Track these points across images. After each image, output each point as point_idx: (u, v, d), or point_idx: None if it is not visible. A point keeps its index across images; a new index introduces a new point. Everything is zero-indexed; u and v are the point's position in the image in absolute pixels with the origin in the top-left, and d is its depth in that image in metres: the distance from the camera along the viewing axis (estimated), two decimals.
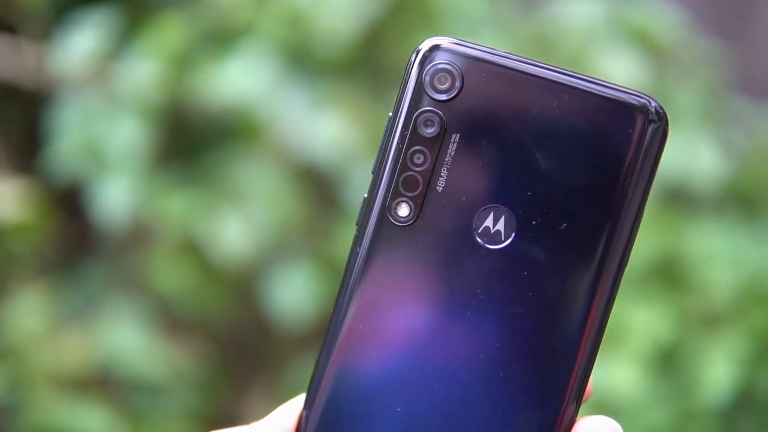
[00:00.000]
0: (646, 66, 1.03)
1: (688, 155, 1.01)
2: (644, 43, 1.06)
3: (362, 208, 0.38)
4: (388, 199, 0.37)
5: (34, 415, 0.92)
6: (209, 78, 0.91)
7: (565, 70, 0.38)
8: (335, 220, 0.93)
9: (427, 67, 0.37)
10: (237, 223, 0.89)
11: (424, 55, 0.37)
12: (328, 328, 0.38)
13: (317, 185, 0.93)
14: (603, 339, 0.38)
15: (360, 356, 0.38)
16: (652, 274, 0.93)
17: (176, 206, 0.90)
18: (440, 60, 0.37)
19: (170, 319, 0.97)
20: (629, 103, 0.37)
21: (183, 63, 0.93)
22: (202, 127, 0.94)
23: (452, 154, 0.37)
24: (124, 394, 0.92)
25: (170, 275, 0.93)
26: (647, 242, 0.94)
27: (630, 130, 0.37)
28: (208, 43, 0.94)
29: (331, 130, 0.89)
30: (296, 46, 0.93)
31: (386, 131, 0.38)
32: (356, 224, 0.38)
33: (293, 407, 0.39)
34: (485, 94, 0.37)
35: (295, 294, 0.89)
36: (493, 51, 0.37)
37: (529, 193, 0.37)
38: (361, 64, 0.94)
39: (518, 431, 0.37)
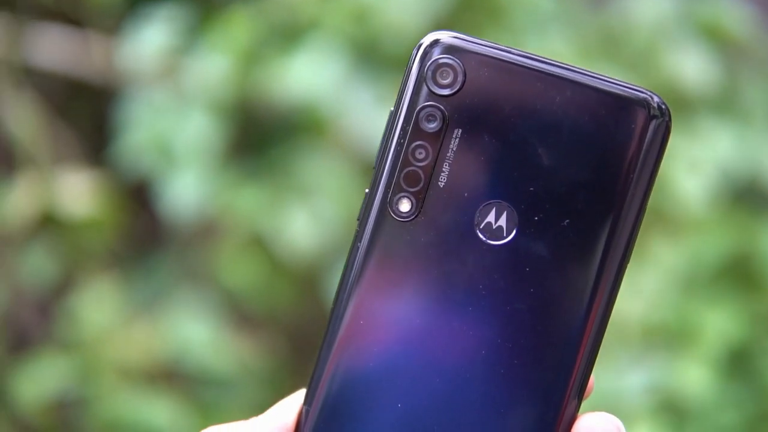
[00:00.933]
0: (717, 62, 1.01)
1: (758, 152, 0.99)
2: (714, 38, 1.04)
3: (363, 203, 0.38)
4: (390, 194, 0.37)
5: (103, 408, 0.93)
6: (277, 73, 0.91)
7: (568, 65, 0.37)
8: None
9: (429, 62, 0.37)
10: (303, 218, 0.89)
11: (425, 49, 0.37)
12: (328, 323, 0.38)
13: None
14: (604, 335, 0.37)
15: (360, 352, 0.37)
16: (723, 274, 0.91)
17: (244, 201, 0.91)
18: (442, 55, 0.37)
19: (238, 313, 0.98)
20: (632, 98, 0.37)
21: (251, 58, 0.93)
22: (270, 122, 0.94)
23: (454, 149, 0.37)
24: (192, 387, 0.93)
25: (238, 269, 0.94)
26: (718, 242, 0.93)
27: (633, 126, 0.37)
28: (276, 38, 0.94)
29: None
30: (363, 41, 0.93)
31: (387, 126, 0.38)
32: (357, 219, 0.38)
33: (293, 402, 0.38)
34: (487, 89, 0.37)
35: None
36: (495, 46, 0.37)
37: (531, 189, 0.37)
38: None
39: (519, 427, 0.37)
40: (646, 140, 0.37)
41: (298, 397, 0.38)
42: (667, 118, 0.37)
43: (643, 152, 0.37)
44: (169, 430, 0.87)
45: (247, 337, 0.97)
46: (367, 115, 0.90)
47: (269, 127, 0.95)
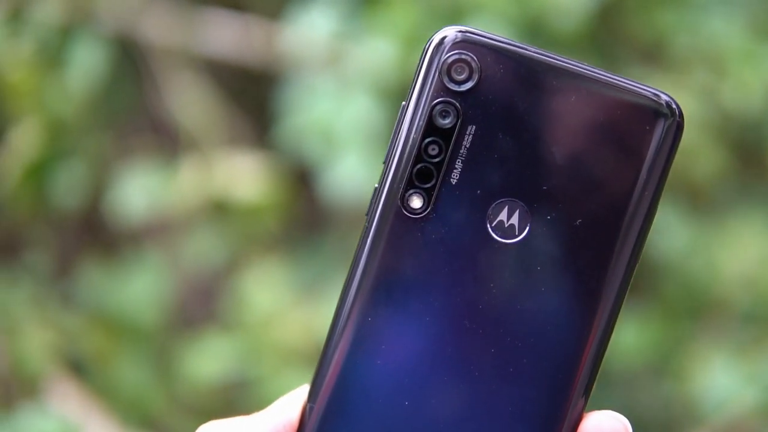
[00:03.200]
0: None
1: None
2: None
3: (372, 198, 0.37)
4: (401, 189, 0.37)
5: (265, 389, 0.94)
6: None
7: (583, 63, 0.37)
8: None
9: (444, 57, 0.37)
10: None
11: (441, 44, 0.37)
12: (333, 319, 0.37)
13: None
14: (612, 335, 0.37)
15: (366, 349, 0.37)
16: None
17: None
18: (458, 50, 0.37)
19: None
20: (647, 98, 0.37)
21: (413, 42, 0.92)
22: None
23: (468, 146, 0.37)
24: None
25: None
26: None
27: (646, 126, 0.36)
28: (438, 21, 0.93)
29: None
30: (527, 21, 0.91)
31: (399, 120, 0.37)
32: (366, 215, 0.37)
33: (297, 398, 0.38)
34: (502, 86, 0.37)
35: None
36: (510, 42, 0.37)
37: (544, 188, 0.37)
38: (597, 38, 0.91)
39: (526, 424, 0.37)
40: (659, 140, 0.36)
41: (301, 393, 0.38)
42: (678, 118, 0.37)
43: (655, 152, 0.37)
44: None
45: None
46: None
47: None
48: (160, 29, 1.02)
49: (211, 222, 0.99)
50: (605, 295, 0.37)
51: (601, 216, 0.37)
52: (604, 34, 0.93)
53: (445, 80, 0.37)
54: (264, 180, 0.98)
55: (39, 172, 0.96)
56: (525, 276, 0.37)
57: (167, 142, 1.04)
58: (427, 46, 0.37)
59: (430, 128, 0.37)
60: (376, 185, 0.37)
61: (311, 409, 0.37)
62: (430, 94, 0.37)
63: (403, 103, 0.37)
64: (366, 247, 0.37)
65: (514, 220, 0.37)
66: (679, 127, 0.37)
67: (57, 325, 0.97)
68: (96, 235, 1.07)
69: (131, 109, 1.06)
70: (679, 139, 0.37)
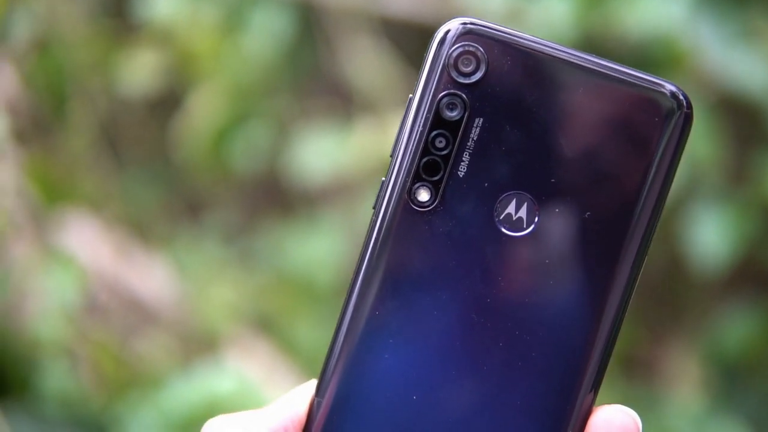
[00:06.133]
0: None
1: None
2: None
3: (380, 191, 0.37)
4: (408, 183, 0.37)
5: None
6: (622, 12, 0.88)
7: (591, 55, 0.36)
8: (763, 157, 0.87)
9: (451, 49, 0.36)
10: None
11: (448, 35, 0.36)
12: (341, 313, 0.37)
13: (741, 119, 0.87)
14: (621, 327, 0.37)
15: (374, 343, 0.37)
16: None
17: None
18: (465, 42, 0.36)
19: None
20: (656, 89, 0.36)
21: (591, 1, 0.90)
22: (619, 61, 0.91)
23: (475, 138, 0.36)
24: None
25: None
26: None
27: (655, 118, 0.36)
28: None
29: (758, 62, 0.83)
30: None
31: (406, 113, 0.37)
32: (373, 207, 0.37)
33: (304, 393, 0.37)
34: (510, 78, 0.36)
35: (715, 236, 0.85)
36: (518, 34, 0.36)
37: (552, 180, 0.36)
38: None
39: (535, 417, 0.37)
40: (668, 132, 0.36)
41: (308, 388, 0.37)
42: (687, 110, 0.36)
43: (664, 144, 0.36)
44: None
45: None
46: (721, 50, 0.85)
47: None
48: None
49: None
50: (614, 288, 0.36)
51: (609, 209, 0.36)
52: None
53: (452, 72, 0.36)
54: None
55: (221, 136, 0.98)
56: (533, 269, 0.37)
57: (343, 104, 1.05)
58: (434, 37, 0.37)
59: (437, 121, 0.37)
60: (383, 178, 0.37)
61: (319, 403, 0.37)
62: (437, 86, 0.36)
63: (410, 95, 0.37)
64: (373, 241, 0.37)
65: (522, 213, 0.37)
66: (688, 118, 0.36)
67: (237, 285, 0.99)
68: (274, 196, 1.09)
69: (309, 72, 1.07)
70: (689, 130, 0.36)
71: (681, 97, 0.36)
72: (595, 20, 0.89)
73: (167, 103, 1.03)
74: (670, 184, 0.37)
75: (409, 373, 0.37)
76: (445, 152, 0.37)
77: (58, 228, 0.87)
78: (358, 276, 0.37)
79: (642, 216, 0.36)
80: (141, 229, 1.02)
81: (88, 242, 0.94)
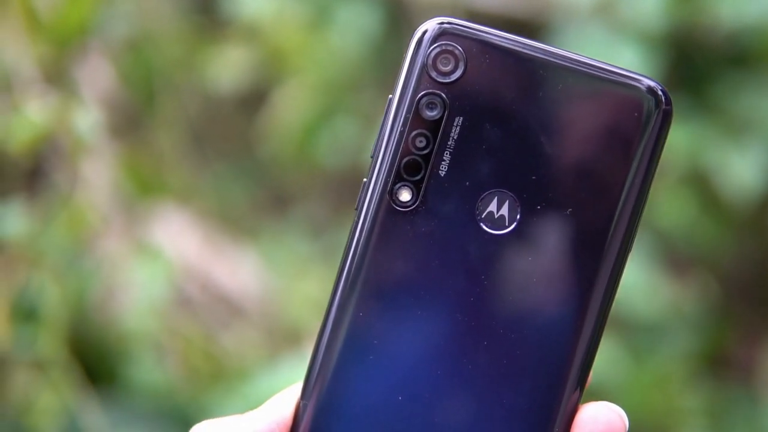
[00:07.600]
0: None
1: None
2: None
3: (361, 192, 0.37)
4: (390, 183, 0.36)
5: None
6: (717, 2, 0.87)
7: (570, 52, 0.36)
8: None
9: (430, 49, 0.36)
10: (749, 156, 0.84)
11: (426, 35, 0.36)
12: (325, 314, 0.36)
13: None
14: (606, 324, 0.37)
15: (358, 345, 0.37)
16: None
17: (680, 138, 0.87)
18: (443, 41, 0.36)
19: (672, 256, 0.94)
20: (635, 86, 0.36)
21: None
22: (709, 54, 0.90)
23: (455, 137, 0.36)
24: (627, 331, 0.90)
25: (672, 210, 0.90)
26: None
27: (636, 114, 0.36)
28: None
29: None
30: None
31: (386, 113, 0.37)
32: (355, 209, 0.37)
33: (290, 396, 0.37)
34: (488, 77, 0.36)
35: None
36: (496, 33, 0.36)
37: (533, 178, 0.36)
38: None
39: (521, 416, 0.37)
40: (648, 128, 0.36)
41: (294, 391, 0.37)
42: (667, 106, 0.36)
43: (645, 140, 0.36)
44: (603, 374, 0.85)
45: (677, 281, 0.93)
46: None
47: (708, 60, 0.90)
48: None
49: None
50: (598, 284, 0.36)
51: (591, 205, 0.36)
52: None
53: (431, 72, 0.36)
54: None
55: (308, 131, 0.98)
56: (516, 267, 0.37)
57: None
58: (413, 37, 0.37)
59: (417, 120, 0.36)
60: (365, 179, 0.37)
61: (305, 406, 0.37)
62: (416, 86, 0.36)
63: (390, 96, 0.37)
64: (355, 242, 0.37)
65: (504, 211, 0.37)
66: (667, 114, 0.36)
67: (321, 280, 0.99)
68: (355, 190, 1.09)
69: (395, 67, 1.07)
70: (668, 126, 0.36)
71: (659, 93, 0.36)
72: (686, 11, 0.88)
73: (254, 98, 1.04)
74: (652, 180, 0.37)
75: (394, 374, 0.37)
76: (425, 152, 0.37)
77: (147, 222, 0.88)
78: (341, 278, 0.37)
79: (624, 210, 0.36)
80: (228, 224, 1.03)
81: (176, 236, 0.95)
